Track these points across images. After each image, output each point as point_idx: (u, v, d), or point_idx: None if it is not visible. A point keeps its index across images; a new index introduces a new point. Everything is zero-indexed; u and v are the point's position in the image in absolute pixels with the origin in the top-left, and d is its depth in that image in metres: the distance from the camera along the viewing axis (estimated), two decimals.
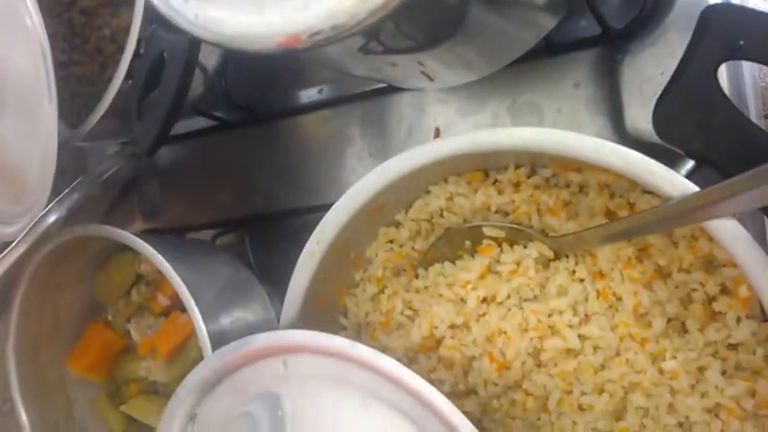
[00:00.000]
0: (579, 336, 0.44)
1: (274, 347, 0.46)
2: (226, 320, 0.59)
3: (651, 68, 0.54)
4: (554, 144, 0.40)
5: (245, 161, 0.75)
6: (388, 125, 0.67)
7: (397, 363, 0.40)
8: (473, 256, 0.49)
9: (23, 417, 0.66)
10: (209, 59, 0.71)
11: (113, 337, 0.68)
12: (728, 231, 0.36)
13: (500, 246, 0.48)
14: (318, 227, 0.49)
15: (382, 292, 0.52)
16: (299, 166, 0.72)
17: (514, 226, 0.48)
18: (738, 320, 0.41)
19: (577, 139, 0.40)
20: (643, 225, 0.39)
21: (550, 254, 0.46)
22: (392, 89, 0.67)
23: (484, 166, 0.49)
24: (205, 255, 0.66)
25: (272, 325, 0.62)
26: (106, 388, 0.69)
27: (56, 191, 0.61)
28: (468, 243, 0.50)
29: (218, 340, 0.55)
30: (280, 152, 0.73)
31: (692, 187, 0.36)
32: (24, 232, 0.60)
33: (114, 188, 0.76)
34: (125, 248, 0.66)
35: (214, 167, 0.78)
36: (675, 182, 0.37)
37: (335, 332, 0.52)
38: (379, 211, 0.50)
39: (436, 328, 0.48)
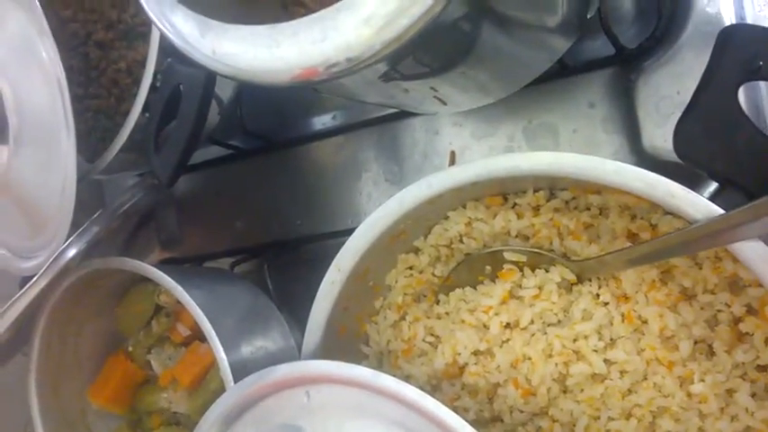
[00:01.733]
0: (605, 360, 0.44)
1: (297, 378, 0.46)
2: (246, 349, 0.59)
3: (667, 87, 0.54)
4: (574, 169, 0.40)
5: (262, 189, 0.76)
6: (402, 149, 0.67)
7: (421, 392, 0.40)
8: (494, 282, 0.49)
9: None
10: (224, 90, 0.71)
11: (134, 369, 0.68)
12: (754, 253, 0.36)
13: (521, 270, 0.48)
14: (338, 255, 0.49)
15: (403, 318, 0.52)
16: (315, 193, 0.72)
17: (535, 250, 0.47)
18: (766, 341, 0.40)
19: (598, 164, 0.39)
20: (667, 248, 0.39)
21: (573, 278, 0.46)
22: (406, 113, 0.67)
23: (502, 190, 0.48)
24: (224, 283, 0.66)
25: (292, 353, 0.62)
26: (128, 419, 0.69)
27: (75, 224, 0.62)
28: (488, 268, 0.49)
29: (239, 369, 0.54)
30: (296, 179, 0.73)
31: (716, 210, 0.36)
32: (45, 267, 0.60)
33: (133, 219, 0.76)
34: (144, 280, 0.66)
35: (231, 196, 0.78)
36: (699, 204, 0.36)
37: (357, 361, 0.52)
38: (398, 238, 0.50)
39: (459, 354, 0.48)
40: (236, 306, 0.63)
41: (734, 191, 0.37)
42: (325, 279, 0.49)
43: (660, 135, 0.54)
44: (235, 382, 0.52)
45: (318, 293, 0.50)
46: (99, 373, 0.69)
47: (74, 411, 0.69)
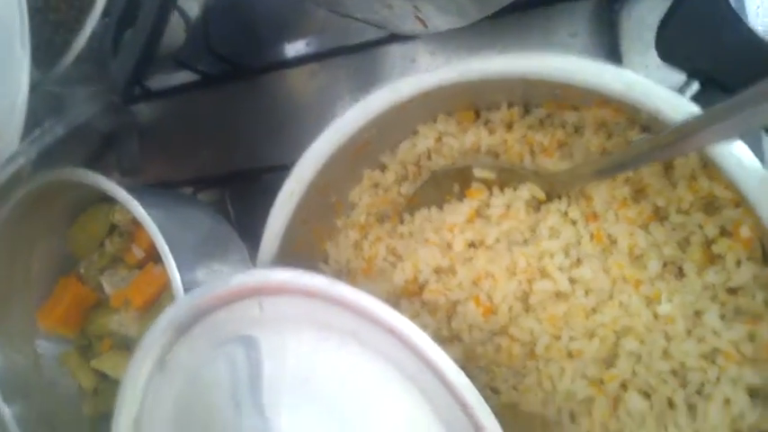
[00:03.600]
0: (570, 279, 0.42)
1: (250, 288, 0.44)
2: (202, 272, 0.57)
3: (651, 17, 0.53)
4: (551, 70, 0.38)
5: (228, 117, 0.73)
6: (377, 77, 0.65)
7: (378, 300, 0.38)
8: (461, 201, 0.47)
9: None
10: (191, 8, 0.68)
11: (86, 292, 0.65)
12: (732, 156, 0.34)
13: (490, 190, 0.46)
14: (297, 164, 0.46)
15: (365, 238, 0.50)
16: (285, 122, 0.70)
17: (506, 166, 0.45)
18: (738, 263, 0.39)
19: (577, 63, 0.37)
20: (643, 153, 0.37)
21: (542, 195, 0.44)
22: (382, 41, 0.64)
23: (474, 103, 0.46)
24: (184, 205, 0.63)
25: None
26: (77, 344, 0.66)
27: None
28: (456, 187, 0.47)
29: None
30: (265, 107, 0.71)
31: (697, 109, 0.34)
32: None
33: (92, 141, 0.73)
34: (100, 200, 0.64)
35: (195, 124, 0.75)
36: (679, 105, 0.34)
37: None
38: (363, 150, 0.48)
39: (420, 271, 0.46)
40: (195, 228, 0.61)
41: (715, 92, 0.36)
42: (283, 189, 0.47)
43: (641, 63, 0.52)
44: None
45: (275, 203, 0.47)
46: (50, 294, 0.66)
47: (22, 334, 0.66)
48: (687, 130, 0.33)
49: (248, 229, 0.67)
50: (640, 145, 0.37)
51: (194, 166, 0.74)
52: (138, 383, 0.44)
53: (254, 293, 0.44)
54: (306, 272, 0.41)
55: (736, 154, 0.34)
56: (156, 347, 0.45)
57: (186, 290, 0.53)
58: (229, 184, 0.72)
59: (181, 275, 0.53)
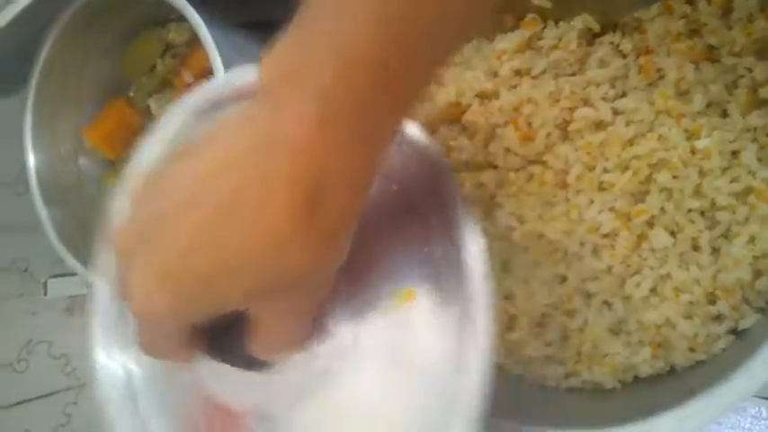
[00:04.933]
0: (613, 109, 0.42)
1: None
2: None
3: None
4: None
5: None
6: None
7: None
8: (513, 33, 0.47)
9: (33, 180, 0.66)
10: None
11: (132, 114, 0.66)
12: None
13: (545, 22, 0.46)
14: None
15: None
16: None
17: None
18: None
19: None
20: None
21: (596, 26, 0.44)
22: None
23: None
24: (244, 36, 0.63)
25: None
26: (117, 168, 0.68)
27: None
28: (510, 20, 0.47)
29: None
30: None
31: None
32: None
33: None
34: (154, 23, 0.65)
35: None
36: None
37: None
38: None
39: (463, 94, 0.46)
40: (250, 58, 0.61)
41: None
42: None
43: None
44: None
45: None
46: (98, 115, 0.68)
47: (68, 149, 0.68)
48: None
49: None
50: None
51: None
52: (145, 159, 0.42)
53: None
54: None
55: None
56: (171, 126, 0.44)
57: None
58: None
59: None
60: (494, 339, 0.30)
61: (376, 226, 0.34)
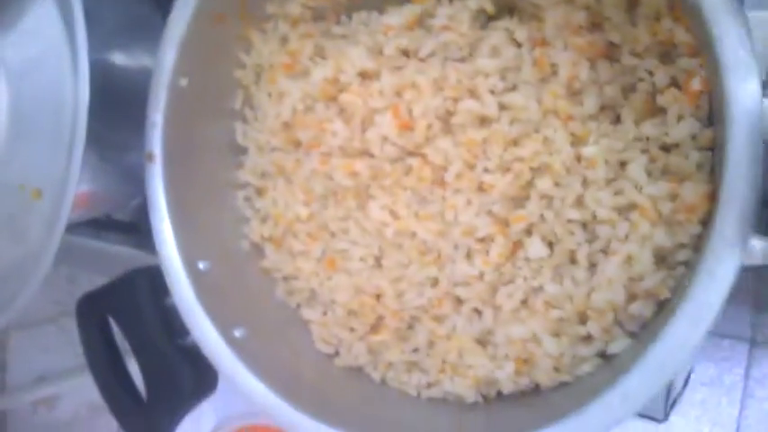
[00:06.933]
0: (500, 104, 0.38)
1: None
2: None
3: None
4: None
5: None
6: None
7: None
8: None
9: None
10: None
11: None
12: None
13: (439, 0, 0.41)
14: None
15: (294, 31, 0.45)
16: None
17: None
18: (680, 118, 0.35)
19: None
20: None
21: (491, 8, 0.39)
22: None
23: None
24: None
25: None
26: None
27: None
28: None
29: None
30: None
31: None
32: None
33: None
34: None
35: None
36: None
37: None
38: None
39: (344, 71, 0.41)
40: None
41: None
42: None
43: None
44: None
45: None
46: None
47: None
48: None
49: None
50: None
51: None
52: None
53: None
54: None
55: None
56: None
57: None
58: None
59: None
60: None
61: None
